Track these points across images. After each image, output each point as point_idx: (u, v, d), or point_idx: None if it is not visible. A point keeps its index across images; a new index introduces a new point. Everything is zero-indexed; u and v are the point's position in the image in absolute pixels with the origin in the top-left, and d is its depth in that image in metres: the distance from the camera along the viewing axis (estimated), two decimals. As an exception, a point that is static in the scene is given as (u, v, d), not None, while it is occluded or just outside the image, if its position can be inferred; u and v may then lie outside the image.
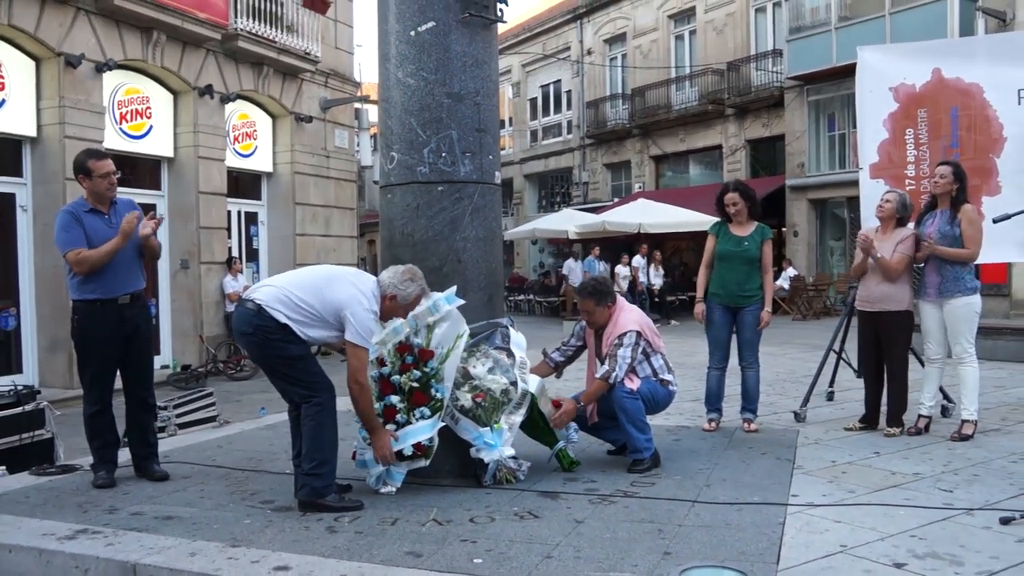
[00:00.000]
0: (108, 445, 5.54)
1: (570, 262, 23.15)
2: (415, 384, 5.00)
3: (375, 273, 5.07)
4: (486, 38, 5.44)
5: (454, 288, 5.14)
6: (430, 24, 5.24)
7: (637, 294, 20.53)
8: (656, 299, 21.57)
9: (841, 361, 7.92)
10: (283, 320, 4.69)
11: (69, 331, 5.59)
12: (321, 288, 4.79)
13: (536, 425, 5.50)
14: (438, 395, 5.00)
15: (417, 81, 5.29)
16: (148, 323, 5.80)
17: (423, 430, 4.94)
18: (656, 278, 21.72)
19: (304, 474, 4.76)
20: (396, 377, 5.03)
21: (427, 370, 5.02)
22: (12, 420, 6.47)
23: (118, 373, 5.60)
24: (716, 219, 7.11)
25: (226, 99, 15.58)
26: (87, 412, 5.51)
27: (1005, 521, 4.24)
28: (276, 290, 4.81)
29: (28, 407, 6.62)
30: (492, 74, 5.53)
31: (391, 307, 4.89)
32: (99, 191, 5.48)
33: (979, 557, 3.79)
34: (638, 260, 21.14)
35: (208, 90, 15.06)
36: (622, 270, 21.19)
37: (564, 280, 24.03)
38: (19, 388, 6.79)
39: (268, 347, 4.77)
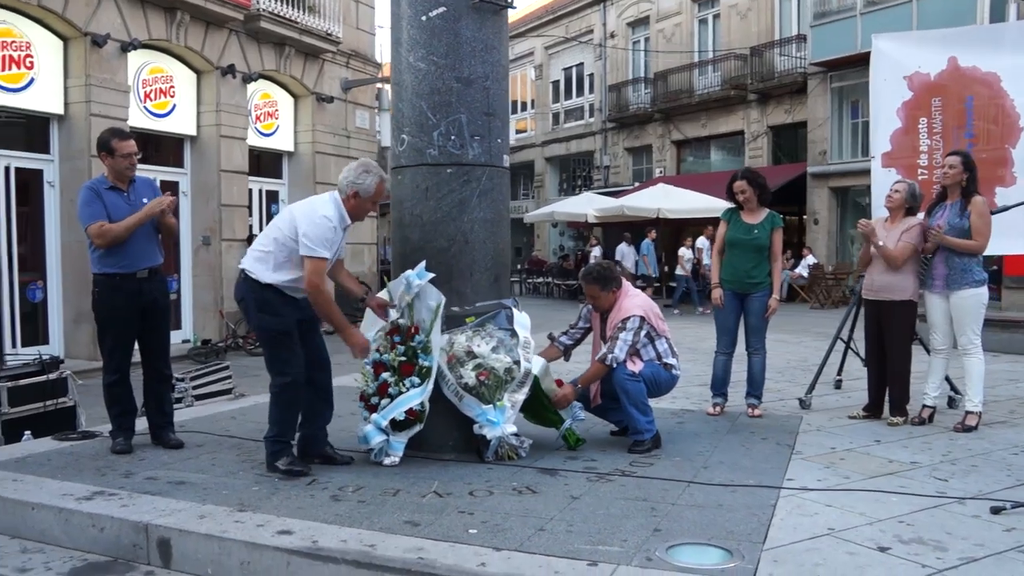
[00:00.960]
0: (126, 413, 5.74)
1: (623, 247, 22.28)
2: (402, 358, 5.19)
3: (387, 257, 5.24)
4: (496, 23, 5.53)
5: (423, 264, 5.28)
6: (441, 9, 5.33)
7: (700, 277, 19.99)
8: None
9: (850, 350, 7.97)
10: (265, 279, 4.94)
11: (90, 304, 5.77)
12: (278, 226, 5.06)
13: (541, 406, 5.64)
14: (425, 363, 5.16)
15: (428, 65, 5.39)
16: (166, 297, 5.97)
17: (413, 396, 5.12)
18: None
19: (264, 437, 5.13)
20: (385, 356, 5.23)
21: (413, 344, 5.19)
22: (37, 388, 6.67)
23: (136, 345, 5.80)
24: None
25: (248, 79, 15.75)
26: (106, 381, 5.72)
27: (996, 511, 4.29)
28: (250, 251, 5.14)
29: (52, 376, 6.82)
30: (502, 59, 5.63)
31: (358, 203, 5.07)
32: (119, 169, 5.65)
33: (964, 544, 3.87)
34: (702, 242, 20.59)
35: (231, 70, 15.24)
36: (686, 252, 20.61)
37: (618, 264, 23.24)
38: (43, 357, 6.98)
39: (253, 317, 5.09)
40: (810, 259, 22.33)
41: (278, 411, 5.05)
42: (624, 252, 21.98)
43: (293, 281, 4.98)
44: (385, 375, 5.18)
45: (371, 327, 5.40)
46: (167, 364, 5.99)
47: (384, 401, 5.13)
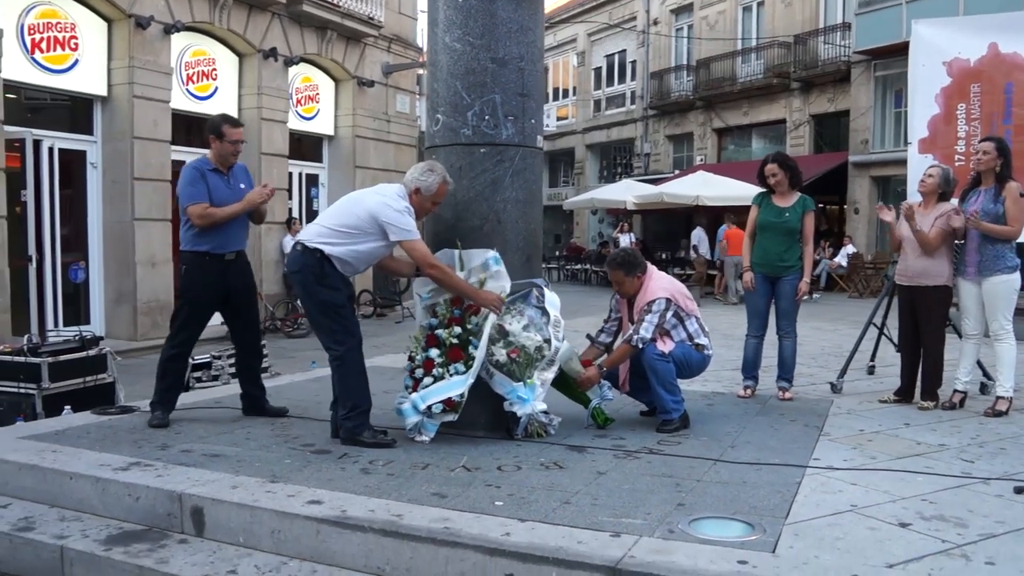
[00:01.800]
0: (172, 388, 5.94)
1: (698, 231, 21.67)
2: (455, 340, 5.23)
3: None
4: (532, 5, 5.57)
5: (495, 251, 5.37)
6: (477, -10, 5.39)
7: None
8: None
9: (883, 336, 7.95)
10: (327, 250, 5.08)
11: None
12: (350, 208, 5.21)
13: (569, 386, 5.72)
14: (473, 352, 5.21)
15: (463, 46, 5.45)
16: (250, 278, 6.22)
17: (455, 385, 5.16)
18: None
19: (341, 419, 5.22)
20: (440, 331, 5.27)
21: (469, 327, 5.25)
22: (77, 363, 6.84)
23: (225, 327, 6.17)
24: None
25: (290, 62, 15.88)
26: (166, 354, 5.93)
27: (1019, 490, 4.30)
28: (315, 226, 5.29)
29: (92, 352, 6.98)
30: (537, 40, 5.66)
31: (420, 201, 5.21)
32: (224, 154, 5.91)
33: (985, 521, 3.88)
34: None
35: (272, 53, 15.38)
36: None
37: (694, 250, 22.34)
38: (84, 334, 7.14)
39: (308, 288, 5.19)
40: (850, 248, 22.15)
41: (347, 381, 5.18)
42: (699, 237, 21.51)
43: (354, 259, 5.16)
44: (434, 353, 5.23)
45: (424, 284, 5.49)
46: (259, 339, 6.36)
47: (427, 380, 5.19)
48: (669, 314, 5.73)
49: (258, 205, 5.96)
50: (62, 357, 6.75)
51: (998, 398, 6.36)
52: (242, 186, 5.99)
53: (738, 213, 25.00)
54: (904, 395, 6.75)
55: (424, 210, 5.27)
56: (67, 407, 6.44)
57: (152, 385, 5.90)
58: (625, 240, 23.31)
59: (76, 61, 12.48)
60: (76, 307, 12.85)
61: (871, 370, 8.15)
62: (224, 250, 5.84)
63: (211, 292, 5.83)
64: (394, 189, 5.23)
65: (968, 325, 6.55)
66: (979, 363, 6.83)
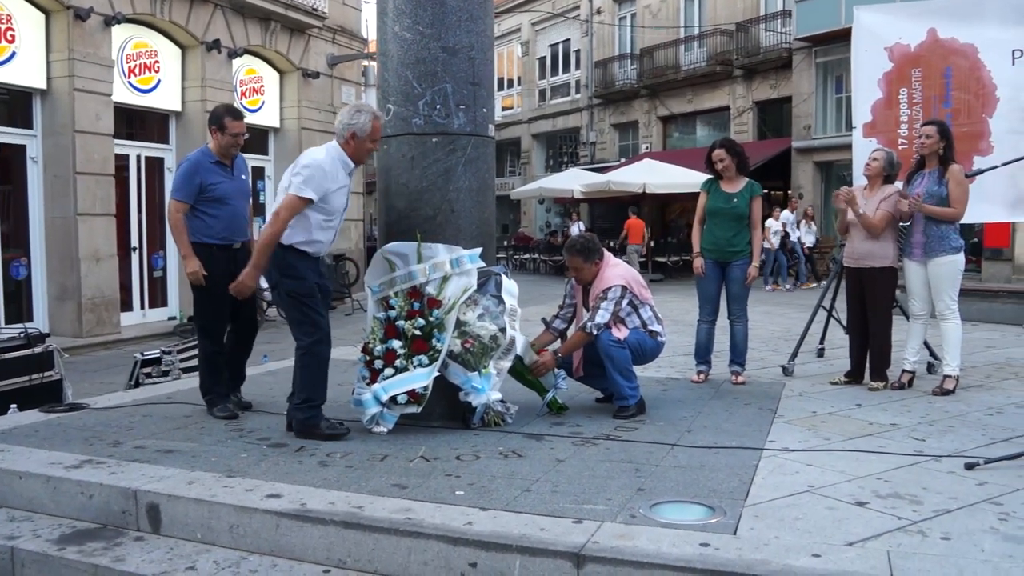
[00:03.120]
0: (221, 382, 5.96)
1: None
2: (417, 332, 5.18)
3: (374, 234, 5.30)
4: (481, -7, 5.56)
5: (479, 250, 5.39)
6: (427, -21, 5.35)
7: (788, 251, 19.69)
8: (807, 257, 20.40)
9: (832, 319, 8.08)
10: (285, 241, 5.04)
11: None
12: (284, 188, 5.13)
13: (523, 375, 5.73)
14: (438, 345, 5.17)
15: (413, 35, 5.41)
16: None
17: (419, 377, 5.12)
18: (808, 235, 20.60)
19: (292, 408, 5.22)
20: (401, 323, 5.21)
21: (431, 319, 5.21)
22: (23, 361, 6.73)
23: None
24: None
25: (233, 54, 15.70)
26: (204, 352, 5.96)
27: (969, 467, 4.40)
28: (267, 218, 5.23)
29: (38, 350, 6.85)
30: (487, 29, 5.65)
31: (358, 145, 5.16)
32: (226, 146, 5.88)
33: (938, 498, 3.96)
34: (786, 215, 20.18)
35: (216, 45, 15.19)
36: (773, 224, 19.57)
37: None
38: (29, 331, 7.00)
39: (274, 283, 5.24)
40: (812, 226, 22.14)
41: (308, 374, 5.14)
42: None
43: (309, 238, 5.11)
44: (396, 344, 5.18)
45: (376, 277, 5.44)
46: (255, 333, 6.28)
47: (389, 371, 5.14)
48: (624, 302, 5.76)
49: (198, 280, 5.83)
50: (7, 355, 6.63)
51: (945, 377, 6.49)
52: (243, 176, 6.02)
53: (683, 201, 25.34)
54: (854, 376, 6.86)
55: (365, 151, 5.24)
56: (13, 406, 6.31)
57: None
58: (575, 230, 23.39)
59: (13, 53, 12.23)
60: (18, 304, 12.63)
61: (820, 352, 8.28)
62: (231, 240, 5.85)
63: (224, 282, 5.70)
64: (312, 152, 5.19)
65: (915, 306, 6.67)
66: (926, 343, 6.95)
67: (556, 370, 5.77)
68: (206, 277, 5.74)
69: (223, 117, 5.85)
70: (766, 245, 18.69)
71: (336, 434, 5.08)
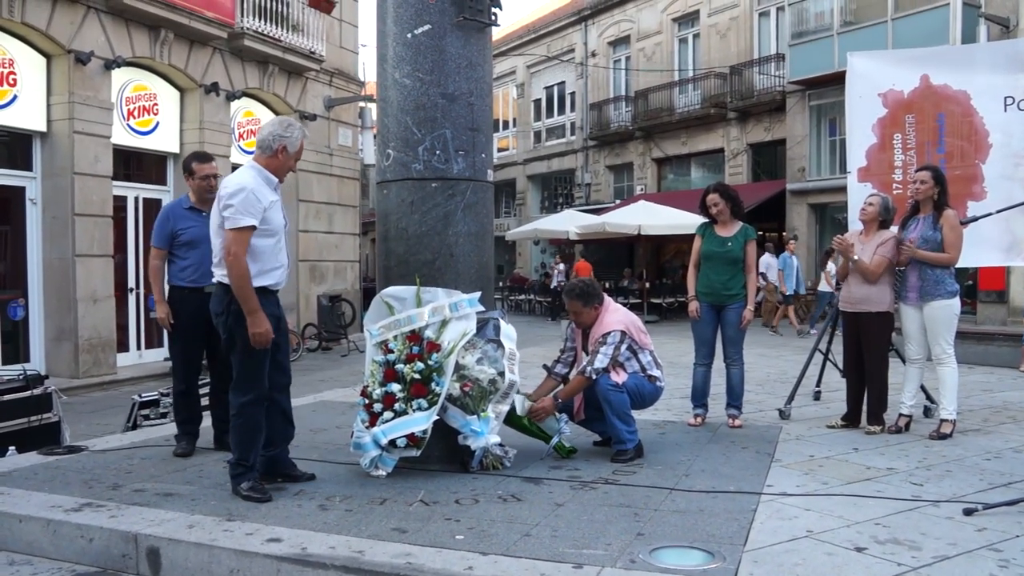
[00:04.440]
0: (187, 421, 6.08)
1: (766, 257, 19.77)
2: (416, 376, 5.20)
3: (373, 275, 5.29)
4: (480, 41, 5.63)
5: (478, 294, 5.43)
6: (426, 27, 5.43)
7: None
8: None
9: (828, 362, 8.10)
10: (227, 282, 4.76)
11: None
12: (217, 226, 4.85)
13: (527, 427, 5.76)
14: (437, 388, 5.20)
15: (413, 82, 5.49)
16: None
17: (418, 421, 5.14)
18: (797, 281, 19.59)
19: (229, 462, 4.94)
20: (400, 366, 5.23)
21: (431, 363, 5.23)
22: (21, 403, 6.72)
23: (169, 363, 6.24)
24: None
25: (232, 97, 15.81)
26: (175, 390, 6.12)
27: (968, 512, 4.41)
28: (214, 264, 4.96)
29: (36, 391, 6.85)
30: (486, 75, 5.73)
31: (284, 160, 5.00)
32: (199, 190, 6.03)
33: (937, 543, 3.98)
34: (766, 260, 19.28)
35: (214, 88, 15.29)
36: (832, 267, 17.37)
37: (762, 278, 19.90)
38: (28, 373, 7.00)
39: (235, 328, 4.82)
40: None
41: (240, 434, 4.84)
42: (768, 264, 19.81)
43: (265, 267, 4.84)
44: (395, 387, 5.18)
45: (374, 320, 5.45)
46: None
47: (388, 414, 5.14)
48: (623, 347, 5.80)
49: (167, 323, 6.02)
50: (6, 396, 6.62)
51: (942, 421, 6.51)
52: None
53: (678, 242, 25.43)
54: (851, 420, 6.87)
55: (287, 168, 5.06)
56: (11, 448, 6.29)
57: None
58: (558, 272, 23.46)
59: (15, 96, 12.31)
60: (16, 345, 12.58)
61: (817, 395, 8.29)
62: (203, 283, 5.80)
63: (194, 324, 5.82)
64: (232, 179, 4.87)
65: (911, 350, 6.69)
66: (922, 387, 6.97)
67: (558, 414, 5.79)
68: (176, 319, 5.89)
69: (191, 162, 6.06)
70: (823, 288, 17.92)
71: (253, 498, 4.73)
